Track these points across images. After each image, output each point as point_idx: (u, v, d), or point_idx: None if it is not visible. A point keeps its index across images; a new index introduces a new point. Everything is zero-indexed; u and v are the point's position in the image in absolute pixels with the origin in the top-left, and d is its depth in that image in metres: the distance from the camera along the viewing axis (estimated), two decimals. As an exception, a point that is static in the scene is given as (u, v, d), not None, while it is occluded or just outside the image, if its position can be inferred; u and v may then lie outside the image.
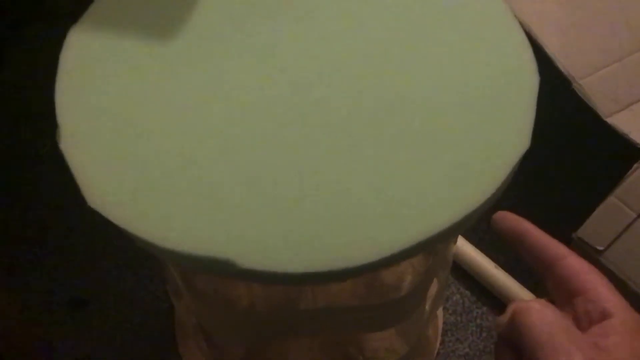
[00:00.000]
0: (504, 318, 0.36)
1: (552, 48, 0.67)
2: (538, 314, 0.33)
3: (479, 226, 0.40)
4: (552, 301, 0.36)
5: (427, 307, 0.55)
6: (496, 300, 0.70)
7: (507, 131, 0.40)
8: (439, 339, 0.68)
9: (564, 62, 0.66)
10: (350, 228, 0.37)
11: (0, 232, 0.74)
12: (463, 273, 0.72)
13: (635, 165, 0.59)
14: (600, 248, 0.57)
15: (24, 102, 0.83)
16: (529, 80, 0.42)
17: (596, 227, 0.58)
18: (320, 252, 0.36)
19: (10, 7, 0.87)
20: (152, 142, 0.40)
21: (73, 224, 0.74)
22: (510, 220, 0.38)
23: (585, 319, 0.34)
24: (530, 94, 0.41)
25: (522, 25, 0.46)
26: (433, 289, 0.54)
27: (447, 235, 0.38)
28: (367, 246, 0.36)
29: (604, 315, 0.33)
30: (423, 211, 0.37)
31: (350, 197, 0.38)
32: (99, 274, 0.72)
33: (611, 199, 0.59)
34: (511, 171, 0.39)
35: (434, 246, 0.38)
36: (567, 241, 0.61)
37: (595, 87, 0.65)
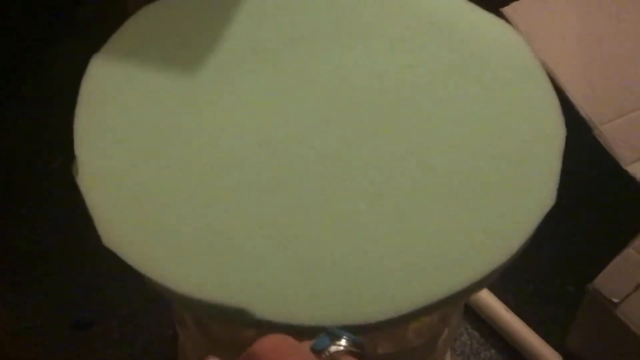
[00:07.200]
0: None
1: (573, 92, 0.66)
2: None
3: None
4: None
5: (437, 350, 0.54)
6: (505, 343, 0.69)
7: (531, 189, 0.39)
8: (446, 380, 0.67)
9: (586, 107, 0.65)
10: (370, 283, 0.36)
11: (6, 248, 0.74)
12: (472, 313, 0.71)
13: (654, 217, 0.58)
14: (616, 301, 0.56)
15: (40, 117, 0.82)
16: (555, 139, 0.41)
17: (612, 279, 0.57)
18: (338, 306, 0.35)
19: (30, 23, 0.87)
20: (170, 181, 0.39)
21: (80, 243, 0.73)
22: None
23: None
24: (556, 154, 0.41)
25: (544, 66, 0.45)
26: (444, 333, 0.54)
27: (469, 293, 0.37)
28: (386, 303, 0.35)
29: None
30: (444, 269, 0.36)
31: (371, 252, 0.37)
32: (105, 296, 0.71)
33: (628, 251, 0.58)
34: (534, 230, 0.39)
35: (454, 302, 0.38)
36: (582, 292, 0.60)
37: (617, 134, 0.64)
